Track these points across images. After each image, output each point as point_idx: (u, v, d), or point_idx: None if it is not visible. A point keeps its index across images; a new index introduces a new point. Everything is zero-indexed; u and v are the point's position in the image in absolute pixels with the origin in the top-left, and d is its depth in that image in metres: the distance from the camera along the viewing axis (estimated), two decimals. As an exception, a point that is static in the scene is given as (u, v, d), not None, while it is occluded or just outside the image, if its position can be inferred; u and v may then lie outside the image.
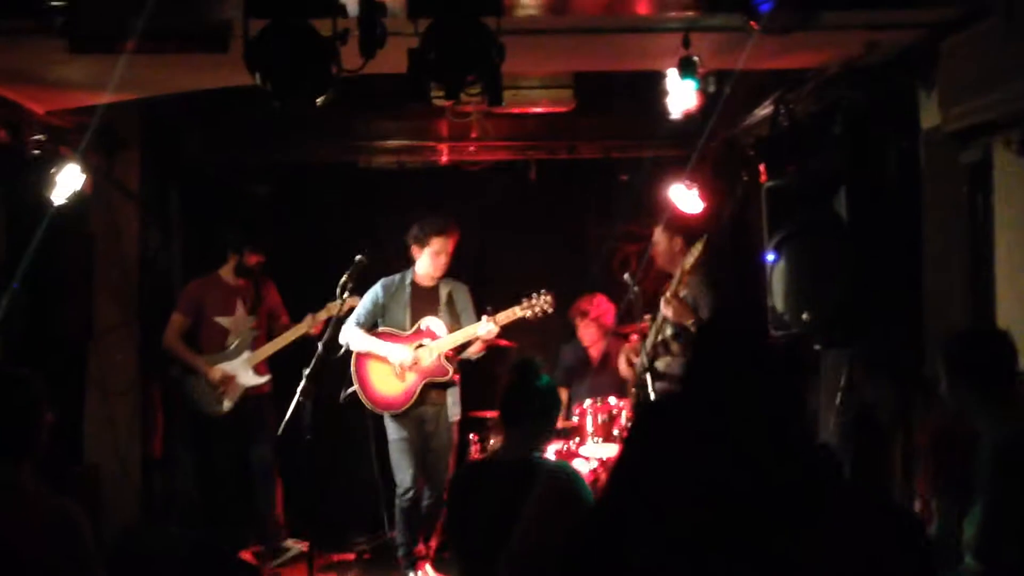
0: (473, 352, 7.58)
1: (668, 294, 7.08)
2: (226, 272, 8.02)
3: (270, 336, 8.07)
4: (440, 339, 7.45)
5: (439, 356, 7.43)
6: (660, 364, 7.20)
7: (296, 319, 8.00)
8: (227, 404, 7.88)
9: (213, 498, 8.19)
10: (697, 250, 7.00)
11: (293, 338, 7.86)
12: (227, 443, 7.99)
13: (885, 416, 6.51)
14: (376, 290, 7.61)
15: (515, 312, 7.42)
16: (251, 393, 7.94)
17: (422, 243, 7.49)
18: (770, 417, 3.01)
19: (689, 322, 6.99)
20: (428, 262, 7.51)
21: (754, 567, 2.85)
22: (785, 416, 3.06)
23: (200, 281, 8.09)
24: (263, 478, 8.00)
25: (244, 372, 7.93)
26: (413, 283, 7.61)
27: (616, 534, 2.98)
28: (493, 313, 7.39)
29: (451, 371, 7.46)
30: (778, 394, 3.09)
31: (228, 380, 7.87)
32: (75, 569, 3.56)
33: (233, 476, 8.00)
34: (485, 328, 7.36)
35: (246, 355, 7.95)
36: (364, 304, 7.58)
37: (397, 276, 7.67)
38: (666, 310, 7.05)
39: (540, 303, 7.40)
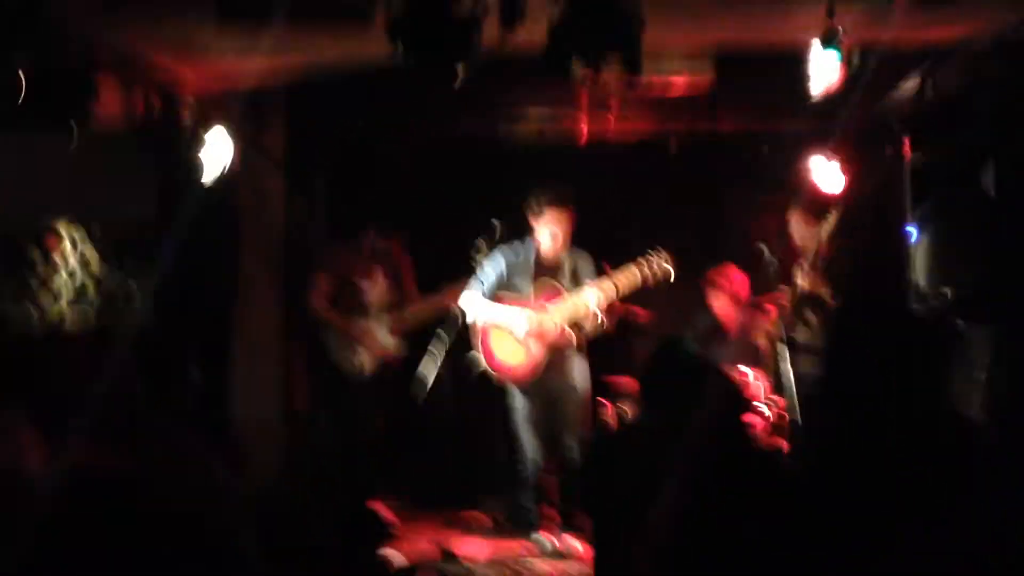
0: (589, 328, 7.47)
1: (805, 265, 7.02)
2: (366, 242, 8.20)
3: (403, 304, 8.22)
4: (559, 303, 7.42)
5: (560, 324, 7.40)
6: (798, 336, 7.15)
7: (430, 286, 8.13)
8: (366, 363, 8.09)
9: (351, 458, 8.35)
10: (833, 220, 6.93)
11: (433, 307, 7.96)
12: (364, 403, 8.16)
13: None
14: (499, 258, 7.60)
15: (632, 274, 7.35)
16: (388, 358, 8.12)
17: (537, 214, 7.47)
18: (913, 390, 3.01)
19: (826, 293, 6.94)
20: (545, 234, 7.48)
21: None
22: (929, 389, 3.06)
23: (342, 246, 8.30)
24: (400, 436, 8.17)
25: (383, 334, 8.12)
26: (537, 253, 7.57)
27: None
28: (610, 272, 7.35)
29: (573, 339, 7.41)
30: (921, 367, 3.08)
31: (369, 337, 8.05)
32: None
33: (368, 434, 8.17)
34: (591, 295, 7.30)
35: (384, 318, 8.14)
36: (489, 273, 7.56)
37: (520, 244, 7.64)
38: (802, 281, 7.00)
39: (656, 263, 7.34)
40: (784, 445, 7.03)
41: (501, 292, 7.59)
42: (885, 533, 2.84)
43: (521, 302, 7.51)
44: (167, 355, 6.95)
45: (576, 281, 7.49)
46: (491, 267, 7.58)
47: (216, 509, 3.76)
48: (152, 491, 3.71)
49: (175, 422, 4.04)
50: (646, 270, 7.31)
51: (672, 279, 7.43)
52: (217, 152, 6.99)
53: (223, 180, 7.25)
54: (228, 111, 7.05)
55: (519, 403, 7.57)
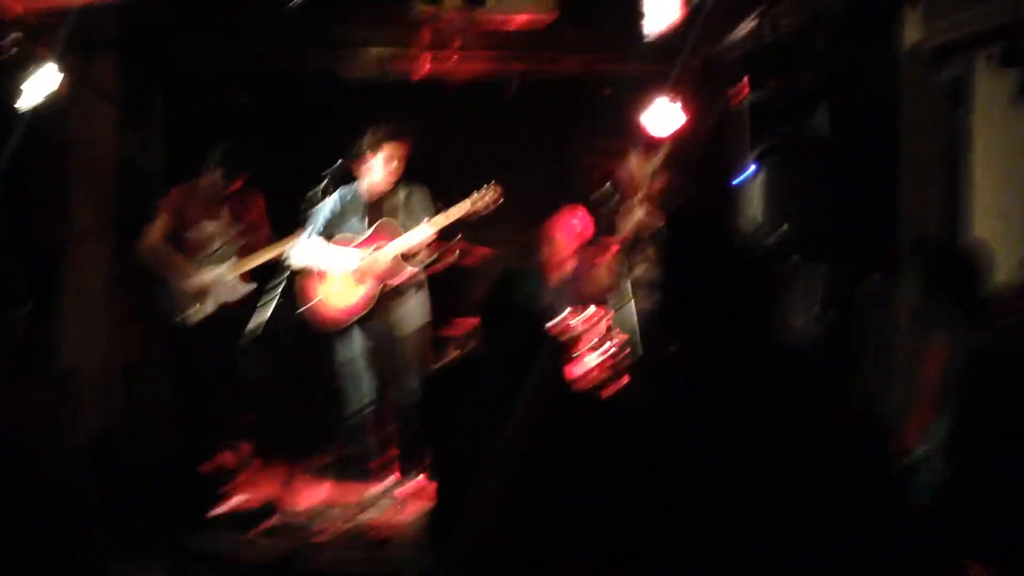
0: (425, 257, 7.41)
1: (640, 196, 7.08)
2: (208, 182, 7.96)
3: (252, 247, 8.00)
4: (394, 240, 7.35)
5: (394, 258, 7.31)
6: (638, 270, 7.23)
7: (277, 228, 7.97)
8: (200, 314, 7.81)
9: (190, 405, 8.19)
10: (664, 151, 7.00)
11: (281, 249, 7.67)
12: (205, 349, 7.91)
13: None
14: (334, 199, 7.46)
15: (462, 207, 7.30)
16: (234, 303, 7.87)
17: (375, 149, 7.35)
18: (748, 313, 3.04)
19: (662, 225, 7.01)
20: (380, 168, 7.38)
21: (728, 464, 2.89)
22: (763, 313, 3.09)
23: (185, 187, 7.95)
24: (243, 383, 7.98)
25: (223, 283, 7.87)
26: (370, 189, 7.47)
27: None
28: (443, 211, 7.32)
29: (407, 272, 7.33)
30: (755, 290, 3.11)
31: (215, 284, 7.82)
32: (55, 450, 3.56)
33: (210, 382, 7.97)
34: (423, 231, 7.25)
35: (231, 262, 7.88)
36: (322, 214, 7.42)
37: (354, 183, 7.52)
38: (639, 212, 7.06)
39: (487, 195, 7.30)
40: (623, 380, 7.12)
41: (336, 233, 7.46)
42: (718, 466, 2.88)
43: (353, 241, 7.43)
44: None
45: (411, 216, 7.42)
46: (324, 206, 7.44)
47: (47, 457, 3.65)
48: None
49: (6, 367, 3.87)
50: (476, 200, 7.28)
51: (498, 207, 7.36)
52: (44, 83, 6.72)
53: (50, 113, 6.99)
54: (56, 40, 6.78)
55: (354, 344, 7.49)
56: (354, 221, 7.45)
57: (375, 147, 7.33)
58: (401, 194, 7.46)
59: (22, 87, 6.66)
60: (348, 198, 7.47)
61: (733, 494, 2.92)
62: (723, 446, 2.96)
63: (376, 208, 7.45)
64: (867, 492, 2.92)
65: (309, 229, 7.36)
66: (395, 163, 7.35)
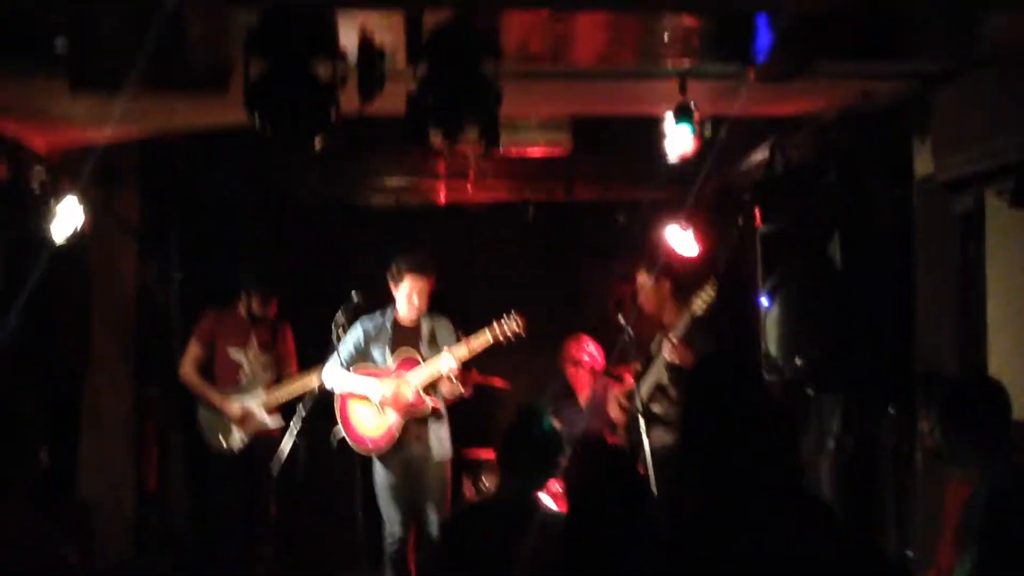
0: (447, 392, 7.39)
1: (674, 340, 7.09)
2: (241, 308, 8.04)
3: (281, 377, 8.02)
4: (416, 371, 7.37)
5: (417, 389, 7.32)
6: (657, 408, 7.23)
7: (300, 354, 8.03)
8: (238, 441, 7.85)
9: (209, 536, 8.17)
10: (707, 294, 7.02)
11: (307, 384, 7.68)
12: (232, 481, 7.93)
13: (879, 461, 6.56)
14: (358, 329, 7.51)
15: (485, 337, 7.32)
16: (262, 435, 7.88)
17: (397, 281, 7.42)
18: (766, 460, 3.05)
19: (685, 366, 7.04)
20: (403, 301, 7.43)
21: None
22: (781, 459, 3.10)
23: (216, 312, 8.07)
24: (264, 519, 7.96)
25: (260, 412, 7.88)
26: (394, 321, 7.53)
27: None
28: (465, 341, 7.33)
29: (430, 405, 7.33)
30: (772, 437, 3.12)
31: (246, 416, 7.86)
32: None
33: (233, 515, 7.96)
34: (445, 362, 7.24)
35: (261, 394, 7.90)
36: (347, 344, 7.46)
37: (378, 313, 7.57)
38: (671, 356, 7.07)
39: (509, 325, 7.32)
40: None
41: (360, 362, 7.50)
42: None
43: (378, 371, 7.44)
44: (12, 430, 6.72)
45: (435, 347, 7.45)
46: (349, 338, 7.48)
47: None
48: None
49: (21, 503, 3.87)
50: (497, 332, 7.31)
51: (523, 338, 7.39)
52: (68, 217, 6.81)
53: (73, 244, 7.07)
54: (80, 175, 6.88)
55: (380, 474, 7.47)
56: (378, 351, 7.48)
57: (397, 279, 7.38)
58: (425, 325, 7.49)
59: (46, 221, 6.74)
60: (372, 330, 7.51)
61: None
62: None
63: (401, 338, 7.48)
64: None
65: (336, 357, 7.38)
66: (417, 296, 7.38)
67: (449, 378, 7.31)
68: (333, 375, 7.41)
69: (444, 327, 7.56)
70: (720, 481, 3.14)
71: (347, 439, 7.45)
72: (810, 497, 3.21)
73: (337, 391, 7.46)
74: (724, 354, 6.78)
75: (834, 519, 3.19)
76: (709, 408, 3.28)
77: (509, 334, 7.32)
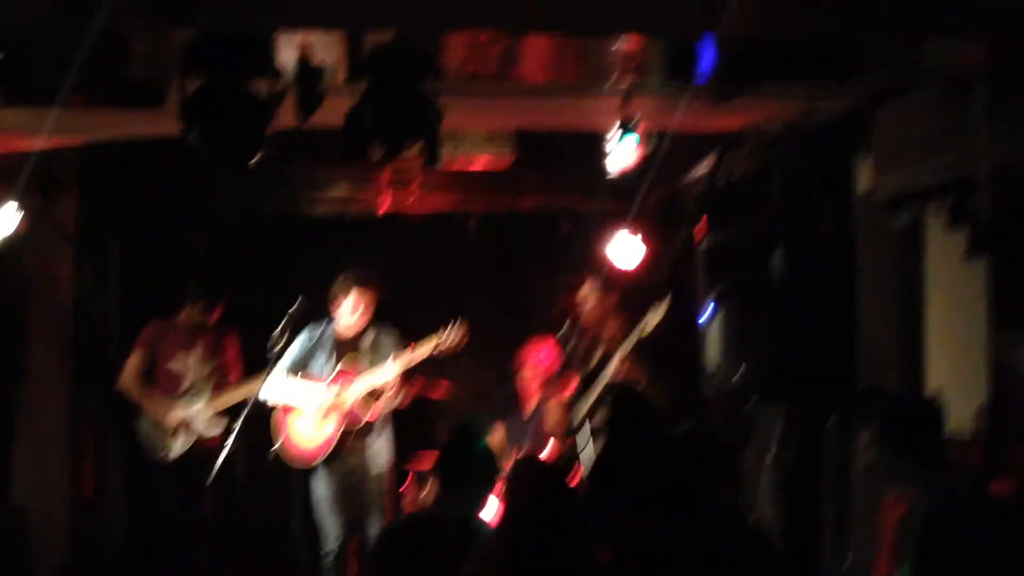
0: (388, 401, 7.38)
1: (623, 355, 7.06)
2: (184, 316, 7.94)
3: (227, 385, 7.91)
4: (355, 382, 7.34)
5: (356, 399, 7.29)
6: (600, 415, 7.20)
7: (244, 363, 7.96)
8: (177, 449, 7.74)
9: (146, 545, 8.09)
10: (660, 313, 6.99)
11: (249, 391, 7.47)
12: (171, 490, 7.83)
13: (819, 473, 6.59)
14: (303, 337, 7.47)
15: (427, 347, 7.31)
16: (204, 443, 7.75)
17: (343, 293, 7.40)
18: (691, 499, 3.05)
19: (644, 382, 6.99)
20: (347, 314, 7.42)
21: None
22: (706, 496, 3.09)
23: (158, 322, 7.93)
24: (204, 528, 7.89)
25: (199, 420, 7.77)
26: (335, 332, 7.51)
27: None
28: (412, 350, 7.31)
29: (366, 416, 7.31)
30: (691, 479, 3.12)
31: (184, 425, 7.76)
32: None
33: (171, 524, 7.87)
34: (386, 372, 7.24)
35: (202, 402, 7.79)
36: (291, 352, 7.38)
37: (324, 324, 7.54)
38: (619, 369, 7.03)
39: (452, 335, 7.31)
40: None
41: (302, 372, 7.47)
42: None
43: (318, 380, 7.40)
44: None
45: (379, 355, 7.42)
46: (294, 347, 7.41)
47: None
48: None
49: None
50: (443, 339, 7.28)
51: (467, 346, 7.39)
52: (3, 222, 6.72)
53: (8, 251, 6.99)
54: (16, 181, 6.79)
55: (319, 487, 7.42)
56: (321, 360, 7.45)
57: (343, 292, 7.36)
58: (370, 335, 7.47)
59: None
60: (317, 337, 7.48)
61: None
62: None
63: (345, 348, 7.47)
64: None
65: (278, 366, 7.30)
66: (362, 308, 7.36)
67: (392, 388, 7.28)
68: (272, 388, 7.32)
69: (388, 338, 7.53)
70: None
71: (283, 455, 7.40)
72: (742, 530, 3.20)
73: (276, 404, 7.41)
74: (635, 395, 6.80)
75: (768, 550, 3.19)
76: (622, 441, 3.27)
77: (455, 340, 7.30)
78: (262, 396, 7.20)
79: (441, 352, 7.33)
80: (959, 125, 5.11)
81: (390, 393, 7.34)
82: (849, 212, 6.30)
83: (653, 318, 7.01)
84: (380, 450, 7.47)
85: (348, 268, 7.49)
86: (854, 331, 6.22)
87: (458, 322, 7.34)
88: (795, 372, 6.23)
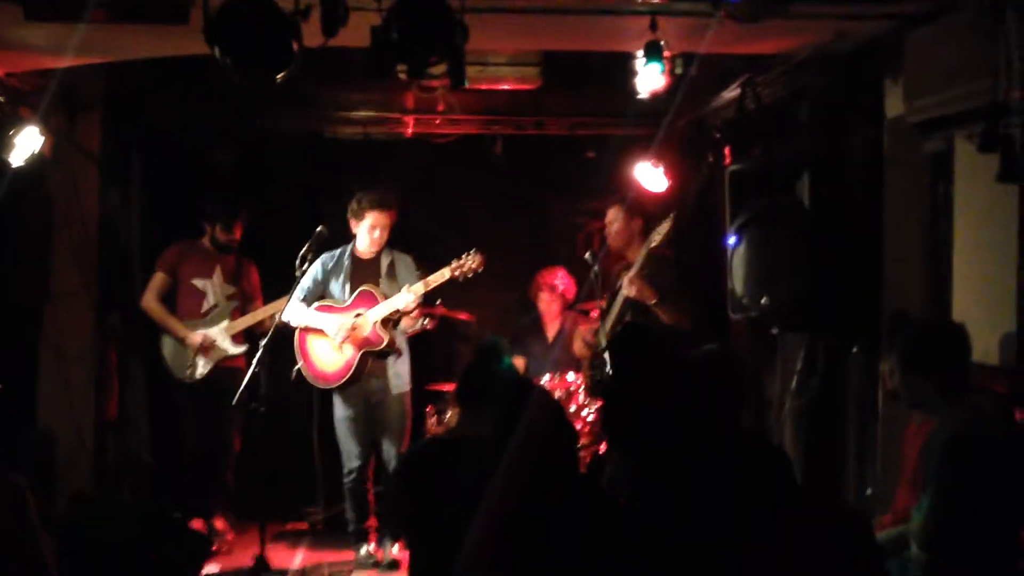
0: (407, 327, 7.44)
1: (632, 274, 7.07)
2: (206, 240, 8.00)
3: (245, 311, 7.99)
4: (375, 307, 7.36)
5: (374, 324, 7.32)
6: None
7: (265, 288, 7.99)
8: (201, 370, 7.83)
9: (171, 464, 8.18)
10: (664, 229, 6.99)
11: (271, 312, 7.71)
12: (195, 411, 7.93)
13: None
14: (317, 265, 7.49)
15: (442, 275, 7.31)
16: (226, 363, 7.87)
17: (359, 216, 7.43)
18: (705, 419, 3.03)
19: (652, 302, 7.02)
20: (364, 236, 7.46)
21: (706, 571, 2.87)
22: (721, 417, 3.07)
23: (180, 244, 8.03)
24: (227, 448, 7.98)
25: (222, 340, 7.88)
26: (352, 255, 7.54)
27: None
28: (424, 277, 7.33)
29: (386, 339, 7.33)
30: (708, 395, 3.10)
31: (208, 345, 7.82)
32: (17, 537, 3.52)
33: (195, 443, 7.95)
34: (403, 299, 7.23)
35: (224, 323, 7.89)
36: (306, 280, 7.44)
37: (338, 250, 7.58)
38: (628, 290, 7.05)
39: (468, 263, 7.29)
40: (601, 448, 7.10)
41: (319, 297, 7.53)
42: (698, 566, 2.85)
43: (336, 307, 7.43)
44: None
45: (394, 282, 7.45)
46: (309, 273, 7.44)
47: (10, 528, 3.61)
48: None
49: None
50: (458, 268, 7.28)
51: (482, 273, 7.38)
52: (27, 143, 6.71)
53: (33, 172, 6.98)
54: (40, 104, 6.77)
55: (339, 408, 7.49)
56: (336, 286, 7.45)
57: (359, 215, 7.35)
58: (385, 260, 7.47)
59: (5, 148, 6.64)
60: (330, 264, 7.48)
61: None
62: (705, 546, 2.93)
63: (359, 274, 7.46)
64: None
65: (296, 291, 7.34)
66: (379, 232, 7.36)
67: (408, 314, 7.30)
68: (293, 311, 7.39)
69: (404, 263, 7.56)
70: (652, 446, 3.12)
71: (305, 374, 7.46)
72: (760, 448, 3.18)
73: (297, 326, 7.45)
74: (637, 326, 6.78)
75: (786, 469, 3.17)
76: (626, 379, 3.25)
77: (468, 272, 7.29)
78: (284, 318, 7.24)
79: (456, 279, 7.32)
80: (991, 49, 5.03)
81: (410, 319, 7.37)
82: (878, 138, 6.22)
83: (657, 236, 7.00)
84: (401, 371, 7.52)
85: (369, 189, 7.47)
86: (880, 258, 6.17)
87: (474, 252, 7.31)
88: (820, 299, 6.18)
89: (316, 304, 7.49)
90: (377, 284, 7.43)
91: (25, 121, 6.72)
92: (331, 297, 7.51)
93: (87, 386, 7.84)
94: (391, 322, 7.37)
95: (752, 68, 6.98)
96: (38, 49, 6.15)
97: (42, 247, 7.69)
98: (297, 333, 7.49)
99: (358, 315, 7.34)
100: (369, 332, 7.32)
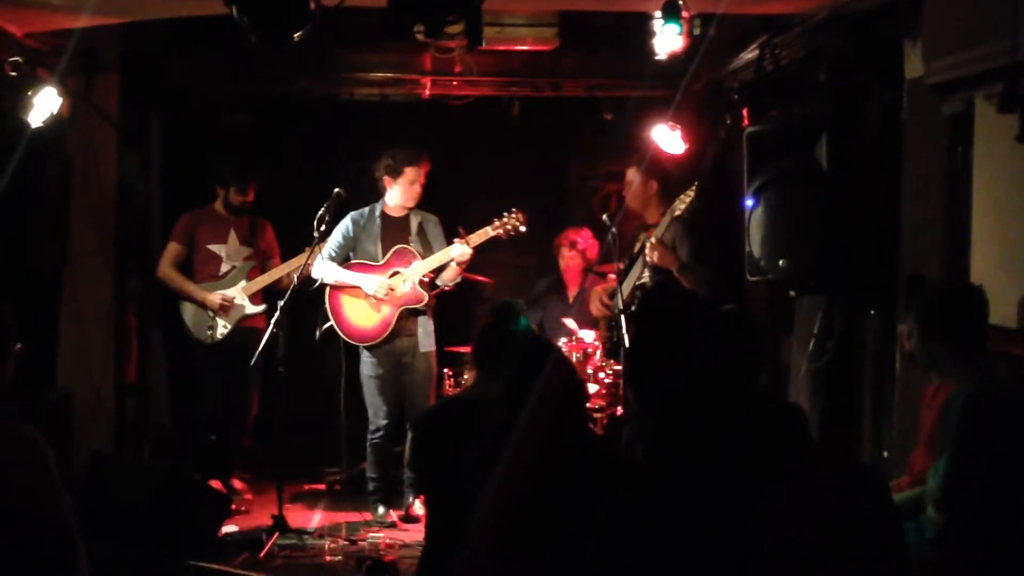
0: (449, 279, 7.54)
1: (653, 239, 7.06)
2: (218, 205, 8.02)
3: (262, 271, 8.02)
4: (414, 264, 7.43)
5: (414, 283, 7.40)
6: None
7: (282, 251, 8.02)
8: (221, 330, 7.88)
9: (189, 426, 8.22)
10: (689, 197, 6.98)
11: (288, 270, 7.77)
12: (215, 372, 7.96)
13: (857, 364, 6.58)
14: (346, 223, 7.57)
15: (487, 232, 7.41)
16: (245, 323, 7.93)
17: (395, 173, 7.48)
18: (723, 379, 3.02)
19: (674, 268, 7.01)
20: (400, 192, 7.51)
21: (721, 529, 2.87)
22: (738, 377, 3.07)
23: (192, 213, 8.06)
24: (244, 409, 8.02)
25: (240, 301, 7.93)
26: (383, 214, 7.59)
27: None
28: (465, 235, 7.39)
29: (426, 297, 7.45)
30: (726, 355, 3.09)
31: (227, 305, 7.86)
32: (38, 499, 3.53)
33: (213, 404, 7.99)
34: (459, 249, 7.35)
35: (241, 284, 7.94)
36: (335, 238, 7.54)
37: (367, 209, 7.64)
38: (650, 256, 7.04)
39: (511, 221, 7.38)
40: (618, 410, 7.11)
41: (351, 255, 7.59)
42: (715, 525, 2.85)
43: (371, 266, 7.50)
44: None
45: (424, 241, 7.50)
46: (337, 231, 7.53)
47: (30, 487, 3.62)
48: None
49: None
50: (500, 231, 7.34)
51: (523, 233, 7.47)
52: (45, 104, 6.71)
53: (52, 134, 6.99)
54: (58, 64, 6.78)
55: (367, 365, 7.57)
56: (369, 244, 7.50)
57: (395, 171, 7.40)
58: (415, 220, 7.52)
59: (23, 109, 6.64)
60: (361, 222, 7.54)
61: (730, 554, 2.90)
62: (720, 504, 2.93)
63: (391, 233, 7.55)
64: (867, 552, 2.90)
65: (325, 249, 7.44)
66: (416, 186, 7.39)
67: (461, 265, 7.45)
68: (324, 268, 7.46)
69: (433, 223, 7.64)
70: (674, 404, 3.11)
71: (338, 330, 7.53)
72: (776, 406, 3.17)
73: (329, 282, 7.49)
74: (661, 285, 6.78)
75: (802, 427, 3.16)
76: (652, 338, 3.25)
77: (511, 230, 7.37)
78: (315, 275, 7.28)
79: (501, 235, 7.40)
80: (1011, 9, 4.99)
81: (454, 269, 7.49)
82: (897, 99, 6.18)
83: (681, 204, 6.99)
84: (429, 331, 7.59)
85: (395, 147, 7.51)
86: (898, 220, 6.15)
87: (516, 211, 7.38)
88: (837, 261, 6.17)
89: (350, 263, 7.54)
90: (408, 243, 7.51)
91: (43, 82, 6.72)
92: (364, 255, 7.54)
93: (106, 348, 7.89)
94: (428, 282, 7.46)
95: (769, 29, 6.95)
96: (56, 8, 6.16)
97: (60, 209, 7.72)
98: (328, 291, 7.54)
99: (395, 273, 7.39)
100: (408, 290, 7.40)
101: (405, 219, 7.58)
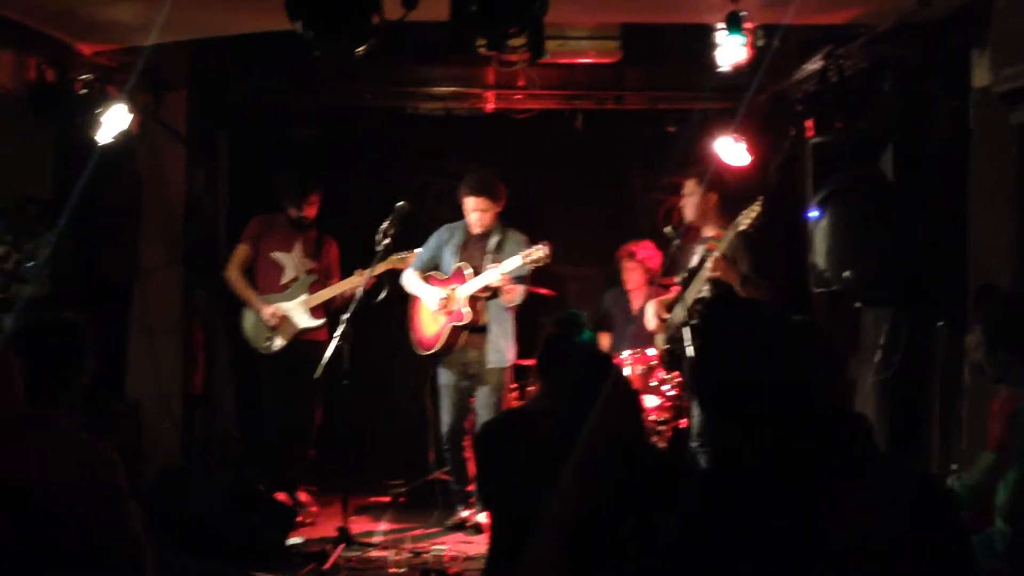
0: (506, 300, 7.49)
1: (716, 253, 7.00)
2: (287, 213, 8.05)
3: (324, 286, 8.05)
4: (465, 283, 7.47)
5: (462, 300, 7.44)
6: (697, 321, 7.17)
7: (346, 262, 8.06)
8: (278, 343, 7.92)
9: (255, 437, 8.29)
10: (755, 212, 6.90)
11: (349, 287, 7.79)
12: (276, 384, 8.02)
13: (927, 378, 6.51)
14: (436, 235, 7.72)
15: (513, 262, 7.35)
16: (306, 337, 7.95)
17: (461, 199, 7.56)
18: (790, 388, 3.00)
19: (736, 283, 6.95)
20: (467, 216, 7.57)
21: (786, 538, 2.85)
22: (807, 386, 3.04)
23: (264, 217, 8.11)
24: (308, 421, 8.06)
25: (299, 314, 7.95)
26: (465, 230, 7.65)
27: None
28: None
29: (468, 317, 7.44)
30: (794, 364, 3.06)
31: (281, 319, 7.92)
32: (108, 510, 3.58)
33: (277, 416, 8.05)
34: (492, 276, 7.35)
35: (302, 297, 7.96)
36: (425, 248, 7.70)
37: (459, 222, 7.71)
38: (713, 268, 6.96)
39: (536, 253, 7.29)
40: (682, 423, 7.09)
41: (433, 270, 7.69)
42: (778, 538, 2.83)
43: (439, 280, 7.59)
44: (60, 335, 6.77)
45: (501, 257, 7.51)
46: (428, 242, 7.68)
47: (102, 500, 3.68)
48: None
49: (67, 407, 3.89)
50: (526, 257, 7.30)
51: (548, 262, 7.38)
52: (115, 122, 6.82)
53: (121, 151, 7.09)
54: (127, 82, 6.88)
55: (441, 375, 7.69)
56: (447, 258, 7.65)
57: (460, 196, 7.47)
58: (494, 238, 7.55)
59: (94, 125, 6.75)
60: (446, 237, 7.67)
61: (796, 563, 2.88)
62: (786, 513, 2.92)
63: (468, 249, 7.63)
64: (934, 564, 2.87)
65: (415, 260, 7.65)
66: (476, 215, 7.48)
67: (502, 291, 7.41)
68: (407, 275, 7.67)
69: (514, 240, 7.61)
70: (741, 416, 3.09)
71: (410, 337, 7.70)
72: (843, 416, 3.15)
73: (408, 291, 7.69)
74: (728, 295, 6.72)
75: (869, 436, 3.13)
76: (720, 347, 3.22)
77: (536, 262, 7.34)
78: (401, 282, 7.57)
79: (528, 265, 7.36)
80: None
81: (507, 295, 7.45)
82: (964, 108, 6.13)
83: (746, 219, 6.91)
84: (500, 346, 7.58)
85: (471, 170, 7.67)
86: (965, 231, 6.09)
87: (543, 244, 7.32)
88: (904, 273, 6.12)
89: (428, 274, 7.68)
90: (483, 260, 7.52)
91: (113, 99, 6.83)
92: (444, 267, 7.66)
93: (174, 360, 8.00)
94: (480, 298, 7.49)
95: (830, 39, 6.91)
96: (125, 27, 6.25)
97: (130, 223, 7.83)
98: (411, 300, 7.71)
99: (453, 289, 7.47)
100: (457, 307, 7.45)
101: (485, 236, 7.62)
